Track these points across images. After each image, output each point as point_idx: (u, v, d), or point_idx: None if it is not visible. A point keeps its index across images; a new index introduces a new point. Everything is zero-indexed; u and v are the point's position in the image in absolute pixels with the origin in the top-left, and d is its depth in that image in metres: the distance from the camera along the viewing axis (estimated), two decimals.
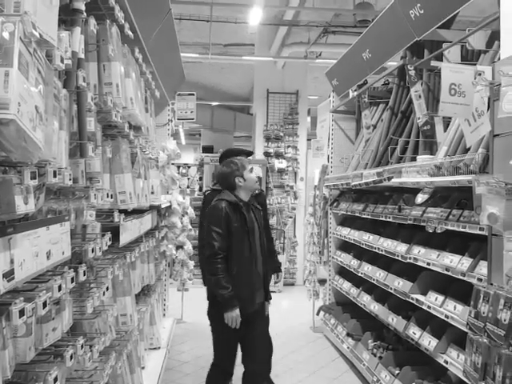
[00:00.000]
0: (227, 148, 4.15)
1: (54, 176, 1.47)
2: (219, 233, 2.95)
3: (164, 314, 5.65)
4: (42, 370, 1.52)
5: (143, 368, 3.73)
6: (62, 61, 1.51)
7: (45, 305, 1.38)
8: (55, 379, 1.49)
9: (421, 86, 3.62)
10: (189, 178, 9.05)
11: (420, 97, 3.59)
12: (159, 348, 4.46)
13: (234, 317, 2.92)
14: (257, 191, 3.66)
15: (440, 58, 3.51)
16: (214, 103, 13.17)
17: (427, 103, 3.64)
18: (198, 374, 4.29)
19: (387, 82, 5.00)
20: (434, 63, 3.32)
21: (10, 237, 1.26)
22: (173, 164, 5.93)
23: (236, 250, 2.99)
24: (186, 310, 6.15)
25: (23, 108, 1.12)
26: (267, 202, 8.56)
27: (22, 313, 1.25)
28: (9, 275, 1.23)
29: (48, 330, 1.58)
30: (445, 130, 3.39)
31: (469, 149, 2.80)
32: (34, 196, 1.45)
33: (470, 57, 3.50)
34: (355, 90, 5.10)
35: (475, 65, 2.86)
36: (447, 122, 3.42)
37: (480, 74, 2.50)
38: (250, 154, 3.90)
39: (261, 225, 3.21)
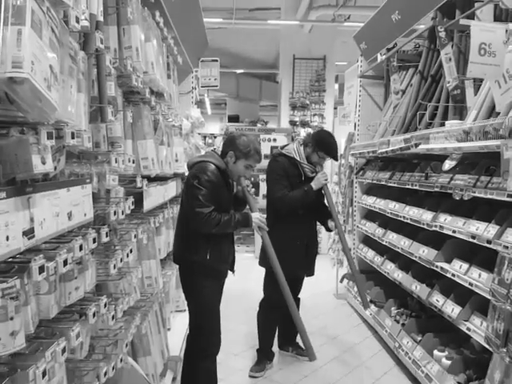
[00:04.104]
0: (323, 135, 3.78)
1: (73, 137, 1.48)
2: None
3: None
4: (65, 326, 1.57)
5: (169, 329, 3.84)
6: (77, 21, 1.50)
7: (65, 263, 1.42)
8: (77, 335, 1.54)
9: (451, 49, 3.48)
10: (215, 148, 9.04)
11: (450, 60, 3.45)
12: (185, 310, 4.56)
13: (258, 218, 2.98)
14: None
15: (472, 18, 3.34)
16: (239, 71, 13.01)
17: (458, 66, 3.50)
18: (222, 336, 4.38)
19: (417, 46, 4.83)
20: (462, 21, 3.18)
21: (29, 196, 1.28)
22: (199, 134, 5.92)
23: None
24: None
25: (37, 67, 1.12)
26: None
27: (41, 269, 1.29)
28: (29, 233, 1.26)
29: (71, 288, 1.62)
30: (475, 94, 3.27)
31: (499, 113, 2.69)
32: (54, 158, 1.47)
33: (504, 16, 3.33)
34: (384, 54, 4.95)
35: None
36: (478, 85, 3.29)
37: None
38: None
39: None
